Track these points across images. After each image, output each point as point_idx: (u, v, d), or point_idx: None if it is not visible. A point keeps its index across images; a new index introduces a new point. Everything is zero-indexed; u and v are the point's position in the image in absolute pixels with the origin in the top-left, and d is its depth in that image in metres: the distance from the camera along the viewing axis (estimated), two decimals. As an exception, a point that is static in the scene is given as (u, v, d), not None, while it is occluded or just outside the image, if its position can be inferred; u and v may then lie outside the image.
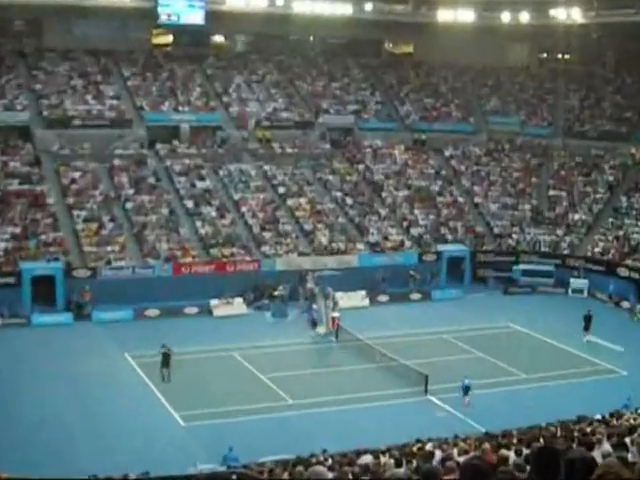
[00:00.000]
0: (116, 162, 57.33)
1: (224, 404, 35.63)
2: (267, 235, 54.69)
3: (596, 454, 17.11)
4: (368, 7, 66.68)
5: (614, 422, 26.54)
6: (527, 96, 72.28)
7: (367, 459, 23.82)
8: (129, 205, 54.25)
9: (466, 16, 68.32)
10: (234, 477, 19.25)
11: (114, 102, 61.59)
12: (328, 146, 63.87)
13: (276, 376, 39.22)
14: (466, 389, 36.64)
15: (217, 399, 36.13)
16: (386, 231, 57.29)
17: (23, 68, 61.83)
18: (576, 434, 24.05)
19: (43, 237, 50.63)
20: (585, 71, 73.63)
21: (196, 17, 63.34)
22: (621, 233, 57.73)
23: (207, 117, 62.88)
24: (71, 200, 53.59)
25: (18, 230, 50.50)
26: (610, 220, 59.45)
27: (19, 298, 46.73)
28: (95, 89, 62.11)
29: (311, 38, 72.36)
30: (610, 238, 57.74)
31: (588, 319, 46.09)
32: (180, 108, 62.58)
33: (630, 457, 12.80)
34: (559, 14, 66.38)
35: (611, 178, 63.11)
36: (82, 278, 48.55)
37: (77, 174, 55.58)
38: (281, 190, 58.40)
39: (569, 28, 67.98)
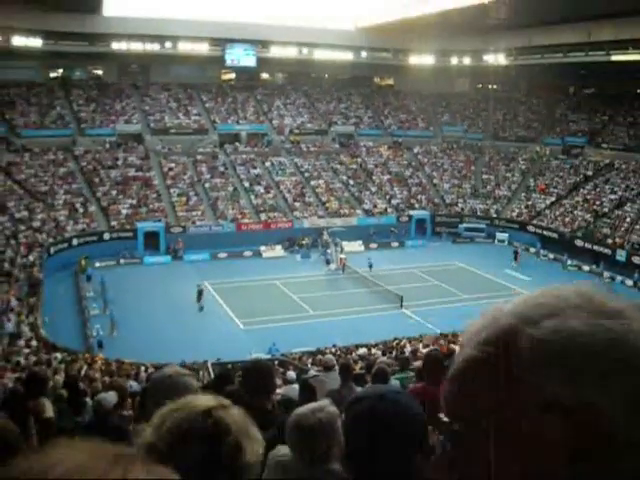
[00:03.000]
0: (198, 157, 57.20)
1: (270, 314, 35.89)
2: (297, 204, 54.65)
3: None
4: (363, 54, 66.25)
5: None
6: (468, 113, 71.68)
7: (362, 350, 23.94)
8: (207, 185, 54.22)
9: (428, 60, 67.81)
10: (277, 362, 19.37)
11: (197, 118, 61.49)
12: (337, 146, 63.52)
13: (303, 296, 39.46)
14: (370, 265, 43.81)
15: (265, 311, 36.35)
16: (375, 201, 57.12)
17: (137, 96, 61.61)
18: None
19: (151, 206, 50.81)
20: (506, 96, 72.88)
21: (250, 61, 62.90)
22: (530, 203, 57.46)
23: (258, 127, 62.56)
24: (169, 182, 53.64)
25: (135, 201, 50.65)
26: (522, 194, 59.15)
27: (135, 246, 47.06)
28: (184, 109, 61.90)
29: (326, 75, 71.77)
30: (522, 206, 57.50)
31: (516, 253, 48.60)
32: (240, 121, 62.38)
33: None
34: (490, 58, 65.86)
35: (523, 167, 62.68)
36: (177, 233, 48.74)
37: (173, 164, 55.57)
38: (306, 175, 58.21)
39: (496, 67, 67.34)
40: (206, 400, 1.56)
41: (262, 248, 48.81)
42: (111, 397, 8.12)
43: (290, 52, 63.57)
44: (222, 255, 47.46)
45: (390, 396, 2.07)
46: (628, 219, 49.89)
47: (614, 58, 54.94)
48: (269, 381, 4.53)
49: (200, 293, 37.21)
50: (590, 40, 53.79)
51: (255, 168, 57.53)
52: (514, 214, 56.95)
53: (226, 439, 1.44)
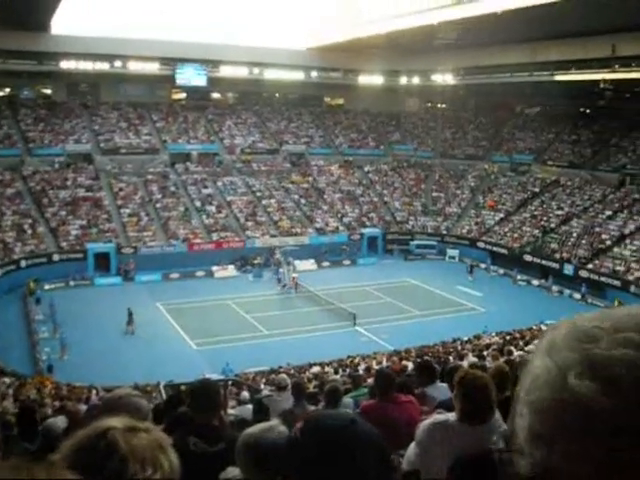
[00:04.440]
0: (149, 177, 56.75)
1: (223, 334, 35.70)
2: (249, 224, 54.49)
3: (465, 363, 17.38)
4: (314, 74, 66.55)
5: (476, 341, 26.85)
6: (417, 131, 72.44)
7: (316, 369, 23.93)
8: (158, 205, 53.81)
9: (378, 80, 68.45)
10: (230, 382, 19.26)
11: (147, 137, 61.04)
12: (288, 165, 63.59)
13: (256, 316, 39.29)
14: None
15: (218, 331, 36.19)
16: (327, 220, 57.24)
17: (86, 115, 60.93)
18: (452, 349, 24.28)
19: (101, 227, 50.20)
20: (455, 115, 73.93)
21: (201, 81, 62.77)
22: (479, 220, 58.18)
23: (209, 146, 62.32)
24: (119, 202, 53.09)
25: (85, 222, 50.01)
26: (472, 211, 59.89)
27: (85, 267, 46.36)
28: (135, 129, 61.42)
29: (277, 94, 71.94)
30: (472, 223, 58.19)
31: (471, 267, 49.80)
32: (191, 141, 62.11)
33: (487, 364, 12.95)
34: (438, 78, 66.67)
35: (472, 184, 63.48)
36: (128, 253, 48.21)
37: (123, 185, 55.04)
38: (258, 194, 58.10)
39: (444, 87, 68.32)
40: (116, 421, 1.57)
41: (214, 268, 48.56)
42: (61, 422, 8.00)
43: (241, 72, 63.63)
44: (174, 275, 47.08)
45: (353, 421, 2.08)
46: (574, 234, 50.83)
47: (558, 78, 56.14)
48: (215, 398, 4.55)
49: (130, 316, 36.30)
50: (535, 60, 54.88)
51: (206, 188, 57.29)
52: (464, 231, 57.58)
53: (108, 462, 1.45)
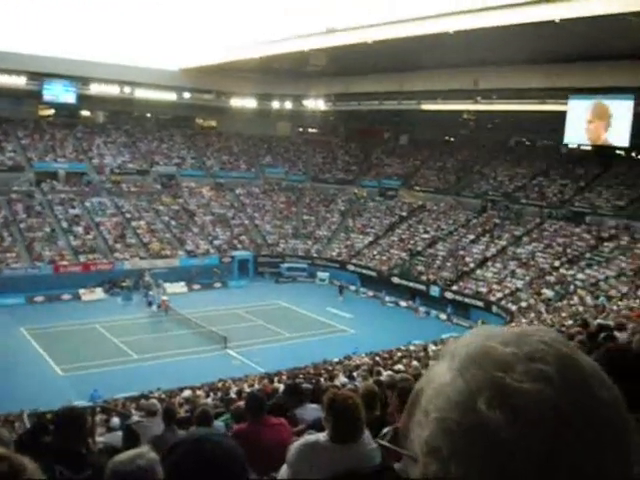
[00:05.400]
0: (13, 196, 54.57)
1: (90, 359, 34.64)
2: (118, 245, 53.30)
3: (337, 382, 17.54)
4: (186, 95, 66.06)
5: (347, 362, 27.20)
6: (289, 155, 73.10)
7: (187, 393, 23.61)
8: (22, 225, 51.82)
9: (250, 103, 68.76)
10: (98, 409, 18.69)
11: (12, 154, 58.75)
12: (159, 186, 62.74)
13: (125, 340, 38.41)
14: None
15: (85, 356, 35.07)
16: (198, 242, 56.78)
17: (-55, 130, 58.26)
18: (323, 371, 24.50)
19: (-40, 247, 47.95)
20: (326, 140, 75.17)
21: (70, 97, 60.88)
22: (349, 243, 59.20)
23: (77, 165, 60.55)
24: (-20, 222, 50.91)
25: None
26: (342, 234, 60.88)
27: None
28: (-2, 146, 59.17)
29: (148, 114, 70.99)
30: (342, 246, 59.11)
31: (341, 288, 50.55)
32: (58, 159, 60.20)
33: (357, 384, 13.14)
34: (310, 104, 67.73)
35: (342, 208, 64.61)
36: (-11, 275, 46.26)
37: (-15, 204, 52.87)
38: (127, 215, 56.99)
39: (316, 112, 69.46)
40: None
41: (81, 291, 47.17)
42: None
43: (112, 90, 62.27)
44: (39, 299, 45.37)
45: (207, 439, 2.09)
46: (440, 257, 52.56)
47: (424, 107, 58.21)
48: (81, 425, 4.45)
49: None
50: (403, 90, 56.64)
51: (74, 208, 55.67)
52: (334, 254, 58.41)
53: None
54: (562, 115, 48.67)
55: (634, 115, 45.10)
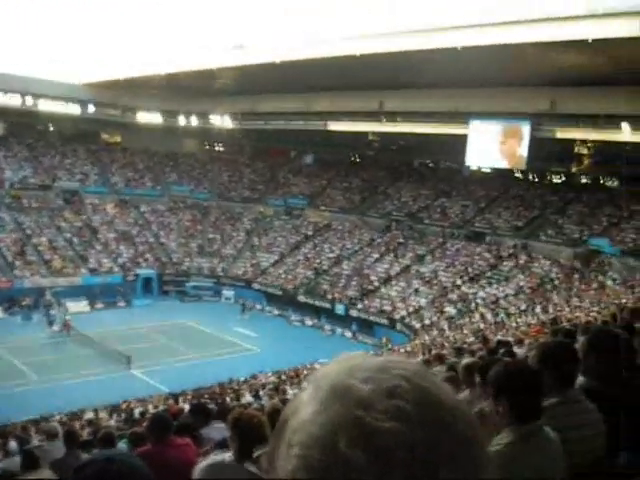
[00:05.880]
0: None
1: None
2: (17, 263, 51.74)
3: (243, 401, 17.53)
4: (91, 109, 65.06)
5: (253, 381, 27.22)
6: (195, 173, 72.57)
7: (90, 415, 23.14)
8: None
9: (156, 119, 68.22)
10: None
11: None
12: (61, 202, 61.29)
13: (25, 360, 37.23)
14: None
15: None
16: (101, 260, 55.68)
17: None
18: (229, 390, 24.42)
19: None
20: (232, 158, 75.04)
21: (-34, 110, 59.26)
22: (255, 261, 59.13)
23: (-26, 180, 58.80)
24: None
25: None
26: (248, 253, 60.76)
27: None
28: None
29: (51, 128, 69.44)
30: (248, 265, 58.98)
31: (244, 306, 51.11)
32: (-46, 174, 58.29)
33: (263, 403, 13.18)
34: (216, 120, 67.72)
35: (248, 227, 64.52)
36: None
37: None
38: (28, 232, 55.43)
39: (222, 130, 69.48)
40: None
41: (-23, 310, 45.57)
42: None
43: (13, 101, 60.60)
44: None
45: (116, 459, 2.12)
46: (345, 275, 53.09)
47: (330, 127, 58.96)
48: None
49: None
50: (309, 110, 57.24)
51: (-30, 224, 53.85)
52: (240, 272, 58.19)
53: None
54: (464, 138, 50.21)
55: (530, 139, 47.02)
